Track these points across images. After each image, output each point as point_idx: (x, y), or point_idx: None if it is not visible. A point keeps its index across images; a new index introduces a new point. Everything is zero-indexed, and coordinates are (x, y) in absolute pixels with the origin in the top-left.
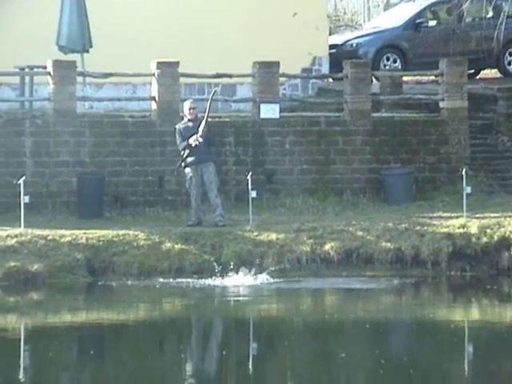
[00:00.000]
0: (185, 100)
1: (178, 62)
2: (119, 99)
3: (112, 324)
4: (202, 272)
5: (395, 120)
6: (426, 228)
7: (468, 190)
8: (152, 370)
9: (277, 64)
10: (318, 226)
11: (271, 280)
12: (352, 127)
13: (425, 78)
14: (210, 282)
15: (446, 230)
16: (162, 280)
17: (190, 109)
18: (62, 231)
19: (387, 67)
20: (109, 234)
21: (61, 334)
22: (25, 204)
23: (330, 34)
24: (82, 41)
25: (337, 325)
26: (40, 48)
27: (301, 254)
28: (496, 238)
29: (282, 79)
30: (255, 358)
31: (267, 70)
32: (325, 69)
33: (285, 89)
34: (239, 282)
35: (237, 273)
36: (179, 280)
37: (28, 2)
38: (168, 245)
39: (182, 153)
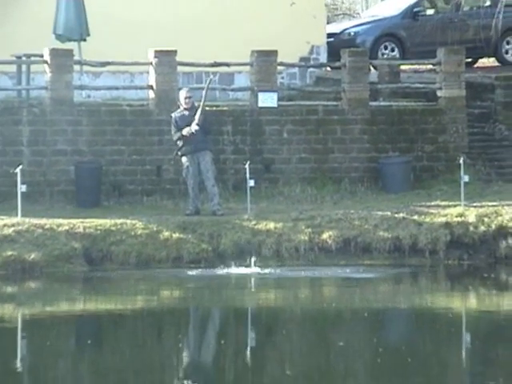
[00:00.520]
0: (182, 89)
1: (175, 51)
2: (117, 88)
3: (109, 313)
4: (199, 261)
5: (393, 109)
6: (423, 217)
7: (466, 178)
8: (149, 359)
9: (275, 53)
10: (316, 215)
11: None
12: (350, 116)
13: (423, 67)
14: (207, 270)
15: (443, 218)
16: (159, 269)
17: (185, 98)
18: (60, 220)
19: (385, 56)
20: (106, 223)
21: (58, 323)
22: (22, 193)
23: (327, 23)
24: (79, 29)
25: (335, 314)
26: (37, 36)
27: (299, 243)
28: (494, 226)
29: (279, 68)
30: (252, 347)
31: (265, 59)
32: (323, 58)
33: (283, 78)
34: (237, 270)
35: (235, 262)
36: (177, 269)
37: None
38: (166, 234)
39: (178, 142)
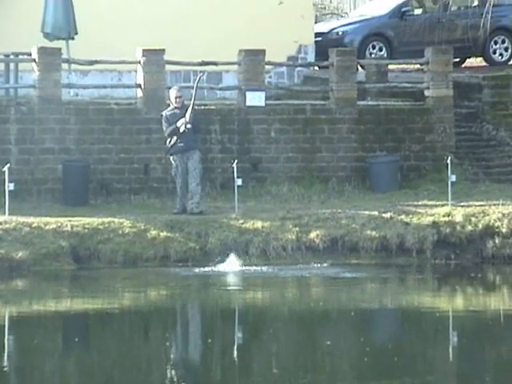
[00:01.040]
0: (170, 87)
1: (163, 50)
2: (105, 86)
3: (96, 311)
4: (187, 260)
5: (381, 108)
6: (411, 216)
7: (453, 178)
8: (135, 357)
9: (263, 52)
10: (304, 214)
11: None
12: (338, 115)
13: (410, 67)
14: (194, 269)
15: (430, 218)
16: (146, 267)
17: (176, 97)
18: (47, 219)
19: (373, 55)
20: (94, 221)
21: (45, 321)
22: (9, 191)
23: (315, 22)
24: (67, 28)
25: (321, 313)
26: (25, 35)
27: (286, 242)
28: (481, 226)
29: (267, 67)
30: (239, 346)
31: (253, 58)
32: (310, 57)
33: (270, 77)
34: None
35: (222, 260)
36: (164, 268)
37: None
38: (153, 232)
39: (169, 139)
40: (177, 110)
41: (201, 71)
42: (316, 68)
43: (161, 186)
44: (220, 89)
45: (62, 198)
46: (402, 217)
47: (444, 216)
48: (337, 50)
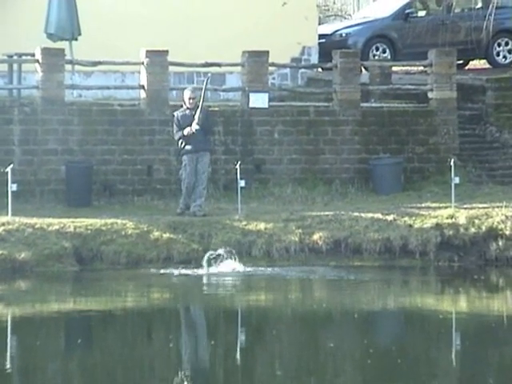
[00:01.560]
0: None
1: (167, 51)
2: (108, 87)
3: (99, 313)
4: (190, 261)
5: (384, 110)
6: (414, 218)
7: (456, 180)
8: (139, 359)
9: (266, 53)
10: (307, 216)
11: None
12: (341, 117)
13: (414, 69)
14: (197, 270)
15: (434, 220)
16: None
17: (189, 98)
18: (50, 219)
19: (376, 57)
20: (97, 222)
21: (48, 322)
22: (12, 192)
23: (319, 24)
24: (70, 29)
25: (324, 315)
26: (28, 35)
27: (289, 244)
28: (484, 228)
29: (271, 69)
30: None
31: (256, 60)
32: (314, 58)
33: (274, 78)
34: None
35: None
36: (167, 269)
37: None
38: (156, 234)
39: (180, 141)
40: (188, 111)
41: (204, 74)
42: (319, 70)
43: (164, 187)
44: (223, 90)
45: (65, 198)
46: (406, 219)
47: (447, 218)
48: (340, 51)
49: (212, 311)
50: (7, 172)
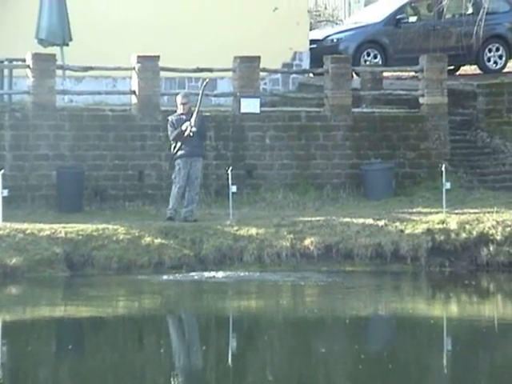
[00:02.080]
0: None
1: (158, 56)
2: (99, 93)
3: (90, 318)
4: (181, 267)
5: (375, 115)
6: (405, 223)
7: (447, 185)
8: (129, 364)
9: (257, 59)
10: (298, 221)
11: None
12: (332, 122)
13: (405, 74)
14: (189, 276)
15: (425, 225)
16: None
17: (181, 104)
18: (41, 225)
19: (368, 63)
20: (88, 228)
21: (39, 328)
22: (3, 197)
23: (310, 29)
24: (61, 34)
25: (315, 320)
26: (19, 41)
27: (281, 249)
28: (475, 233)
29: (262, 74)
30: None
31: (248, 65)
32: (305, 64)
33: (265, 83)
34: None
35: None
36: (158, 274)
37: None
38: (148, 239)
39: (174, 144)
40: (183, 116)
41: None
42: (311, 75)
43: (155, 192)
44: (215, 95)
45: (56, 204)
46: (397, 224)
47: (438, 223)
48: (332, 57)
49: (203, 317)
50: None
